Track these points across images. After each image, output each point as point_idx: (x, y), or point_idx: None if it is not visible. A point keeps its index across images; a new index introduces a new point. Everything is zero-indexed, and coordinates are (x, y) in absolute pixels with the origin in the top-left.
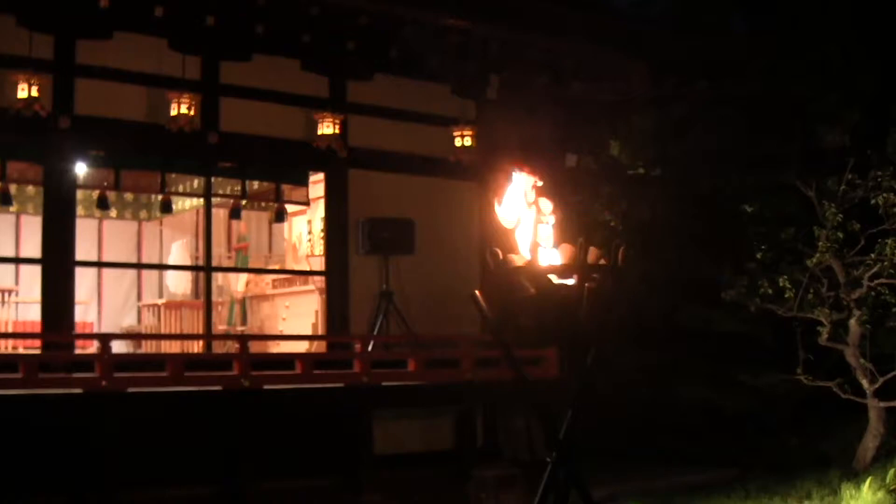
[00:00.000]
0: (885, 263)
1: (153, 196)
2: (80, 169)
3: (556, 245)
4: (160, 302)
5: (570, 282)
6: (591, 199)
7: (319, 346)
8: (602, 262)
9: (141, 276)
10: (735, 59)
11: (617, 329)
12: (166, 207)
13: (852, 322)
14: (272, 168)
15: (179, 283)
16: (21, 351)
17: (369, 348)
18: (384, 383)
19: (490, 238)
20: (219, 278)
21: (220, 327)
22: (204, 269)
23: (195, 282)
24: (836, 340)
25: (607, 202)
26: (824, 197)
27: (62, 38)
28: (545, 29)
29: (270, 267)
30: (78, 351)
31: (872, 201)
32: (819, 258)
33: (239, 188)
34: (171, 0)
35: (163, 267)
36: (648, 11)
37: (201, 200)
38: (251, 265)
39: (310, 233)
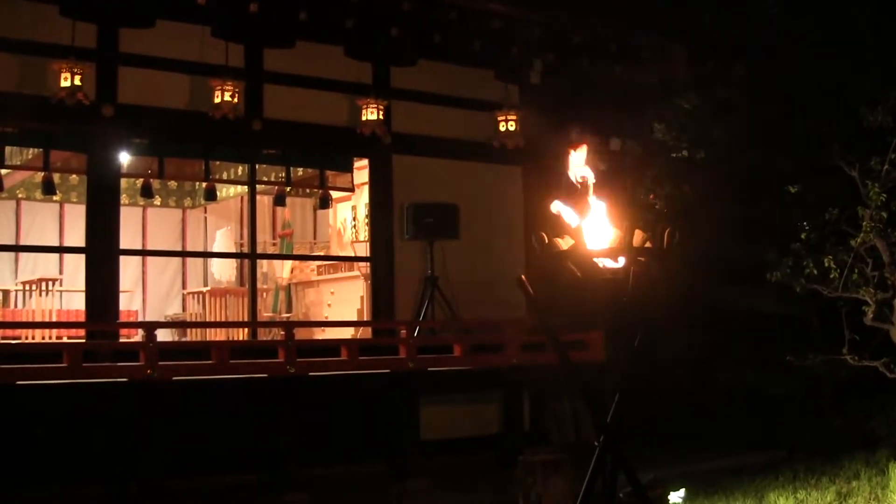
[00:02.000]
0: None
1: (197, 184)
2: (124, 157)
3: (602, 228)
4: (205, 290)
5: (616, 265)
6: (636, 181)
7: (365, 333)
8: (647, 244)
9: (185, 263)
10: (772, 41)
11: (662, 312)
12: (210, 195)
13: None
14: (316, 154)
15: (224, 271)
16: (65, 340)
17: (415, 334)
18: (430, 369)
19: (535, 222)
20: (263, 265)
21: (265, 314)
22: (248, 257)
23: (240, 269)
24: (882, 320)
25: (652, 185)
26: (867, 177)
27: (105, 27)
28: (587, 13)
29: (315, 253)
30: (122, 339)
31: None
32: (863, 238)
33: (283, 175)
34: None
35: (207, 254)
36: None
37: (245, 188)
38: (296, 252)
39: (354, 219)
